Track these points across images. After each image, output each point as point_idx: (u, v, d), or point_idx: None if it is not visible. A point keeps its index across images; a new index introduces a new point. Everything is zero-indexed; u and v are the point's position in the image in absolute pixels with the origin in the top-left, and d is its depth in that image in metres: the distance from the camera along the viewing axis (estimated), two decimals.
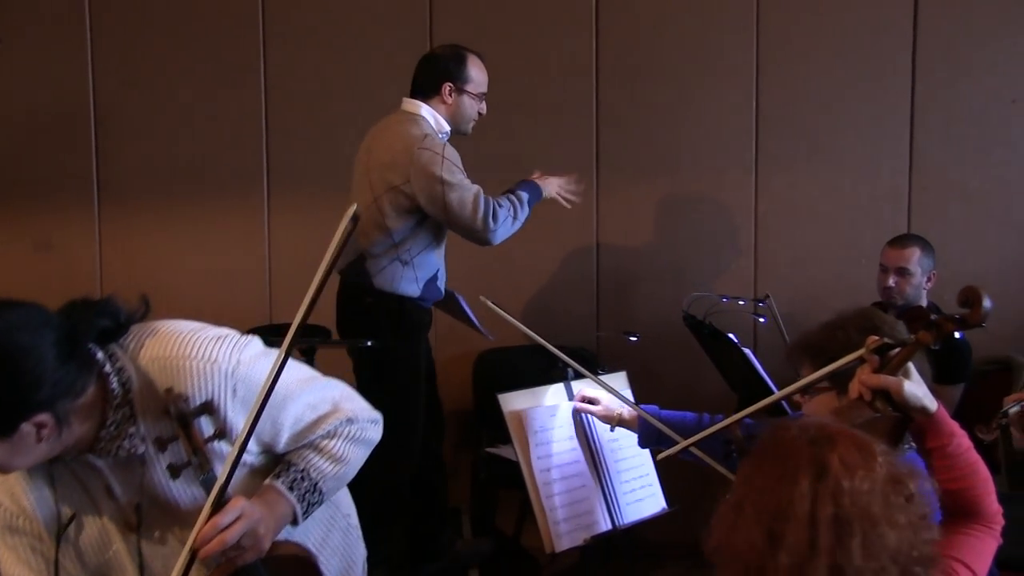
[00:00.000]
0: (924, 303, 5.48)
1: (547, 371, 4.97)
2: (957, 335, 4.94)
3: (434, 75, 5.37)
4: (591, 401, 4.35)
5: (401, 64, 6.41)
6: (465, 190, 5.10)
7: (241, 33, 6.49)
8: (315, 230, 6.46)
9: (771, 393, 4.78)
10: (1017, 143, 6.30)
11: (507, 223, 5.19)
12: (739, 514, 2.17)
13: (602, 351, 6.37)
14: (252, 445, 2.84)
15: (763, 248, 6.42)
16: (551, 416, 4.27)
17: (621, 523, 4.29)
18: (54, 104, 6.56)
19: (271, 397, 2.63)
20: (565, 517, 4.13)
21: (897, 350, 2.75)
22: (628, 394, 4.50)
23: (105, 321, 2.67)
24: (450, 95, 5.35)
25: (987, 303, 2.64)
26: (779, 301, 6.03)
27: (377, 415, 3.12)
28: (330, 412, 2.96)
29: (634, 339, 5.51)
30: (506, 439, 4.27)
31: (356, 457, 3.05)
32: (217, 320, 6.41)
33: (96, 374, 2.62)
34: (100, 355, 2.64)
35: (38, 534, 2.83)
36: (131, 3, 6.56)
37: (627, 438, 4.44)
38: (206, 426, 2.73)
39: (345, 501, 3.31)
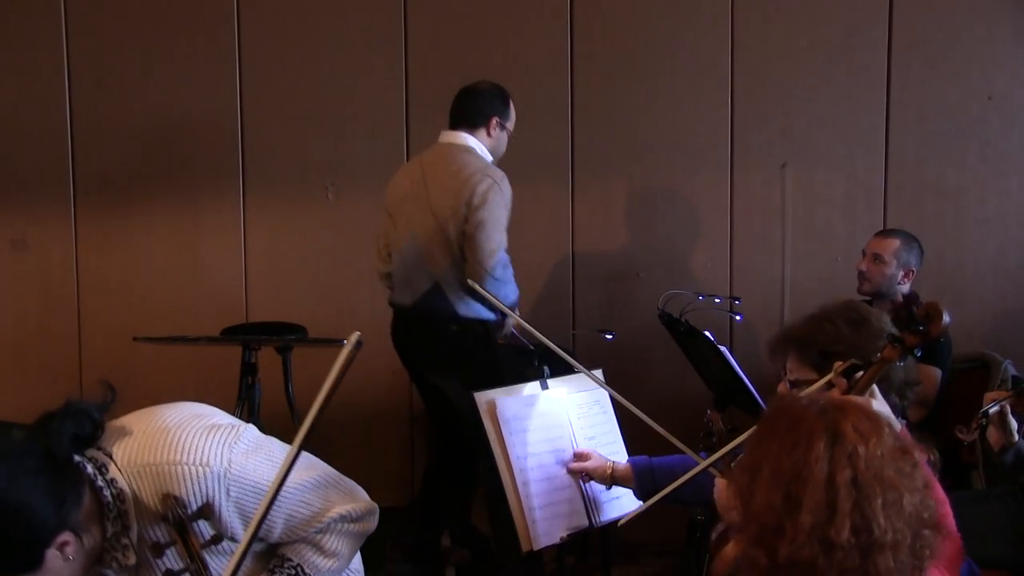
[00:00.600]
0: (899, 299, 5.47)
1: (522, 370, 4.97)
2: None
3: (483, 109, 5.49)
4: (583, 458, 4.32)
5: (375, 62, 6.42)
6: (497, 231, 5.23)
7: (216, 32, 6.45)
8: (290, 229, 6.51)
9: (747, 390, 4.79)
10: (993, 140, 6.32)
11: (503, 282, 5.29)
12: (754, 478, 2.23)
13: (578, 349, 6.35)
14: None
15: (739, 245, 6.42)
16: (525, 407, 4.26)
17: (598, 521, 4.29)
18: (29, 102, 6.51)
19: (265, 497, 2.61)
20: (542, 516, 4.13)
21: (860, 374, 2.79)
22: (603, 392, 4.50)
23: (71, 425, 2.61)
24: (494, 128, 5.49)
25: (946, 318, 2.72)
26: (754, 298, 6.06)
27: (373, 505, 3.08)
28: (324, 509, 2.93)
29: (610, 337, 5.51)
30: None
31: (350, 550, 3.04)
32: (194, 319, 6.41)
33: (87, 484, 2.59)
34: (90, 469, 2.61)
35: None
36: (107, 1, 6.53)
37: (605, 436, 4.44)
38: (204, 530, 2.72)
39: None
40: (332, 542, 2.96)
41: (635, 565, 5.94)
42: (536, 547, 4.10)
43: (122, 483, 2.63)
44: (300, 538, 2.93)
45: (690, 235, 6.45)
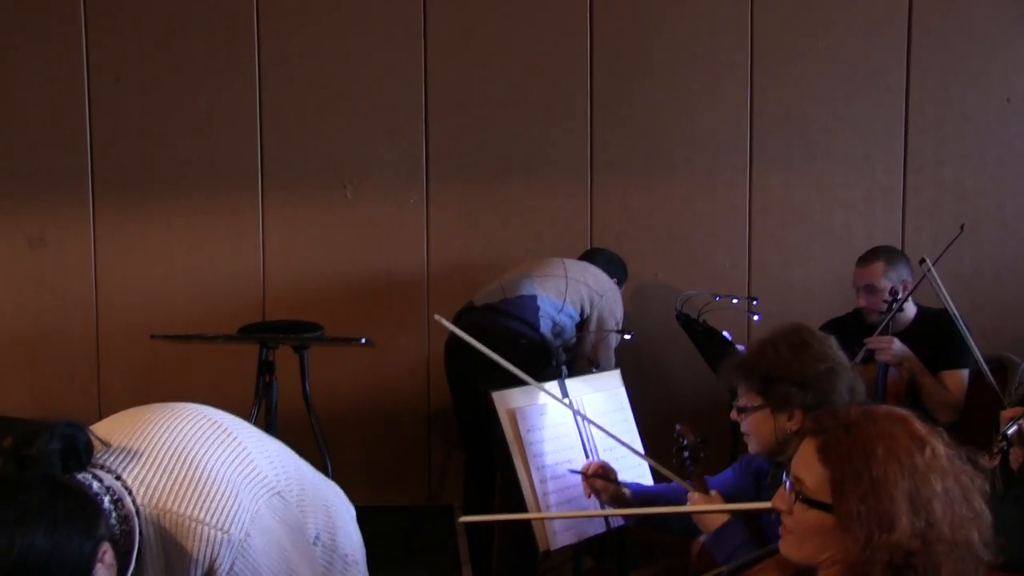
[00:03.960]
0: (912, 313, 5.43)
1: (542, 368, 4.97)
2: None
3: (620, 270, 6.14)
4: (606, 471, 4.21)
5: (394, 61, 6.41)
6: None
7: (236, 31, 6.46)
8: (308, 228, 6.51)
9: None
10: (1012, 142, 6.31)
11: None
12: (889, 508, 2.22)
13: None
14: None
15: (757, 247, 6.42)
16: (542, 415, 4.26)
17: (615, 522, 4.29)
18: (49, 100, 6.52)
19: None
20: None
21: None
22: (622, 392, 4.51)
23: (58, 443, 2.42)
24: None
25: None
26: (771, 300, 6.05)
27: None
28: None
29: (628, 337, 5.51)
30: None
31: None
32: (211, 318, 6.40)
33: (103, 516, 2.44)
34: (107, 503, 2.47)
35: None
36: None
37: (624, 449, 4.43)
38: None
39: (345, 541, 3.15)
40: None
41: (651, 565, 5.93)
42: (553, 547, 4.10)
43: (134, 522, 2.51)
44: None
45: (708, 235, 6.45)
